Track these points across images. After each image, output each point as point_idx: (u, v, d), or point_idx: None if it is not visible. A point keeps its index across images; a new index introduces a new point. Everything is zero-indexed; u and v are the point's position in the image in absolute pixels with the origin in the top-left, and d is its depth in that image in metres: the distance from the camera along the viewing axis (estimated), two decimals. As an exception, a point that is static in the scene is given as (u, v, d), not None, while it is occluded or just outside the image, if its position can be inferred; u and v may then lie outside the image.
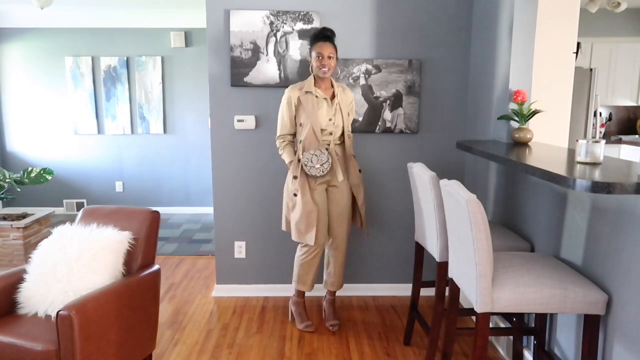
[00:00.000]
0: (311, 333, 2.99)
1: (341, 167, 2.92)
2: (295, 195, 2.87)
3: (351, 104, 2.98)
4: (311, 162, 2.79)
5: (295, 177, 2.86)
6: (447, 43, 3.35)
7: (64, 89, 5.96)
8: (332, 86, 2.89)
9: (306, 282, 3.02)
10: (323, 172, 2.80)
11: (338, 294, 3.52)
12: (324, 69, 2.76)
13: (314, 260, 2.97)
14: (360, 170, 3.00)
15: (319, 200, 2.88)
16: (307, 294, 3.35)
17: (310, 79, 2.86)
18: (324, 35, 2.79)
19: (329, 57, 2.76)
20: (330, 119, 2.83)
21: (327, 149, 2.82)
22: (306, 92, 2.82)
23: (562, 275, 1.86)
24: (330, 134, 2.85)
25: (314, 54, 2.78)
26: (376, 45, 3.33)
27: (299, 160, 2.84)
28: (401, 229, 3.54)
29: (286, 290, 3.50)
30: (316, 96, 2.82)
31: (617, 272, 1.78)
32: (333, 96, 2.87)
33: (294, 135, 2.92)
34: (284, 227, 3.01)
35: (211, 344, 2.87)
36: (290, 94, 2.85)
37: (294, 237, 2.94)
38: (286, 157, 2.90)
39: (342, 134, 2.91)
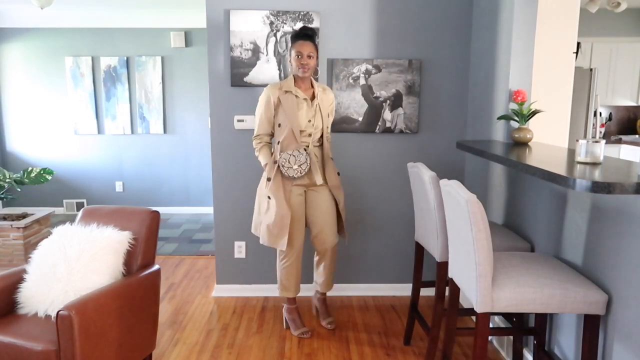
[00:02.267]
0: (311, 333, 2.99)
1: (320, 170, 2.85)
2: (269, 198, 2.79)
3: (332, 104, 2.90)
4: (289, 162, 2.73)
5: (269, 180, 2.79)
6: (447, 43, 3.35)
7: (64, 89, 5.96)
8: (312, 86, 2.83)
9: (289, 288, 2.96)
10: (301, 173, 2.74)
11: (338, 294, 3.53)
12: (303, 69, 2.71)
13: (294, 265, 2.91)
14: (339, 173, 2.93)
15: (295, 204, 2.82)
16: (306, 294, 3.35)
17: (290, 78, 2.80)
18: (304, 34, 2.74)
19: (309, 57, 2.71)
20: (309, 120, 2.77)
21: (305, 150, 2.77)
22: (286, 91, 2.76)
23: (562, 275, 1.86)
24: (309, 135, 2.79)
25: (293, 53, 2.73)
26: (376, 45, 3.33)
27: (275, 162, 2.78)
28: (401, 229, 3.55)
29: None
30: (296, 96, 2.76)
31: (617, 272, 1.78)
32: (313, 97, 2.81)
33: (272, 135, 2.87)
34: (253, 230, 2.95)
35: (211, 344, 2.87)
36: (269, 92, 2.77)
37: (262, 241, 2.86)
38: (262, 158, 2.83)
39: (322, 135, 2.85)
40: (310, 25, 3.23)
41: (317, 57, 2.79)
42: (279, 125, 2.79)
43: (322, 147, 2.87)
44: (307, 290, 3.45)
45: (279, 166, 2.77)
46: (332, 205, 2.91)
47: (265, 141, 2.86)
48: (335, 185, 2.89)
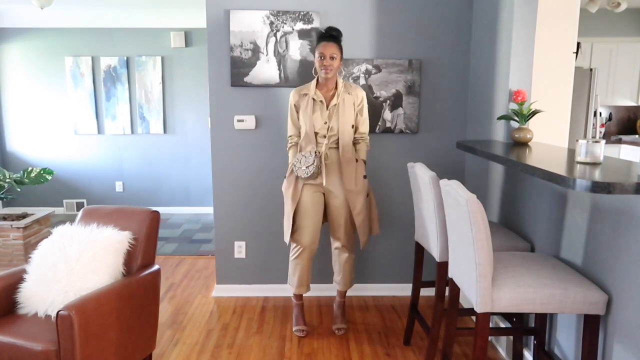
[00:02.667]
0: (311, 333, 2.99)
1: (335, 172, 2.86)
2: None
3: (360, 103, 2.87)
4: (300, 163, 2.81)
5: (285, 177, 2.92)
6: (447, 43, 3.35)
7: (64, 89, 5.96)
8: (336, 87, 2.83)
9: (293, 283, 3.01)
10: (307, 174, 2.78)
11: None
12: (325, 70, 2.72)
13: (299, 261, 2.94)
14: (365, 177, 2.89)
15: (305, 202, 2.86)
16: (307, 294, 3.35)
17: (314, 80, 2.85)
18: (329, 35, 2.75)
19: (332, 58, 2.70)
20: (325, 123, 2.79)
21: (315, 152, 2.80)
22: (304, 94, 2.82)
23: (562, 275, 1.86)
24: (324, 137, 2.82)
25: (316, 54, 2.74)
26: (376, 45, 3.33)
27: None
28: (401, 229, 3.54)
29: (286, 290, 3.49)
30: (313, 99, 2.80)
31: (617, 272, 1.78)
32: (332, 98, 2.81)
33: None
34: None
35: (211, 344, 2.87)
36: (292, 96, 2.89)
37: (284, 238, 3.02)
38: (289, 157, 2.95)
39: (338, 138, 2.82)
40: (313, 25, 3.23)
41: (342, 58, 2.79)
42: (301, 127, 2.87)
43: (338, 150, 2.84)
44: (316, 290, 3.45)
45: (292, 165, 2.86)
46: (346, 208, 2.89)
47: (295, 141, 2.94)
48: (351, 190, 2.84)
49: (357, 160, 2.87)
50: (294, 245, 2.95)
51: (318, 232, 2.93)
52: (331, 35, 2.75)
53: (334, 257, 3.05)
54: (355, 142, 2.91)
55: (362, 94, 2.89)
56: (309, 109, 2.80)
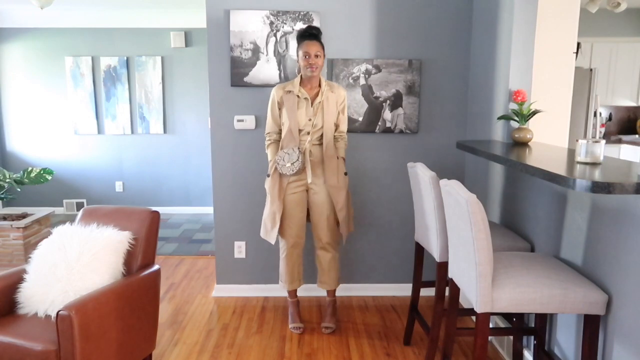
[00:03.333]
0: (311, 333, 2.99)
1: (318, 169, 2.88)
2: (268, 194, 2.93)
3: (342, 102, 2.91)
4: (283, 160, 2.81)
5: (268, 176, 2.91)
6: (447, 43, 3.35)
7: (64, 89, 5.96)
8: (320, 85, 2.85)
9: (285, 280, 3.05)
10: (292, 170, 2.80)
11: (338, 294, 3.51)
12: (311, 68, 2.74)
13: (288, 259, 3.00)
14: (346, 174, 2.92)
15: (291, 200, 2.89)
16: (306, 294, 3.35)
17: (297, 78, 2.86)
18: (310, 34, 2.77)
19: (316, 56, 2.74)
20: (309, 119, 2.82)
21: (299, 148, 2.81)
22: (288, 91, 2.82)
23: (562, 275, 1.86)
24: (308, 133, 2.83)
25: (300, 53, 2.76)
26: (376, 45, 3.33)
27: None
28: (401, 229, 3.54)
29: (286, 291, 3.49)
30: (297, 96, 2.81)
31: (617, 272, 1.78)
32: (316, 96, 2.84)
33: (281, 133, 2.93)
34: None
35: (211, 344, 2.87)
36: (274, 93, 2.87)
37: (261, 234, 3.01)
38: (269, 155, 2.93)
39: (322, 135, 2.85)
40: (314, 24, 3.23)
41: (324, 56, 2.82)
42: (283, 123, 2.86)
43: (321, 146, 2.88)
44: (316, 291, 3.45)
45: (275, 163, 2.85)
46: (328, 204, 2.91)
47: (274, 139, 2.93)
48: (334, 186, 2.87)
49: (337, 158, 2.90)
50: (282, 243, 3.00)
51: (304, 228, 2.98)
52: (312, 34, 2.77)
53: (318, 259, 3.04)
54: (334, 140, 2.93)
55: (344, 94, 2.93)
56: (294, 106, 2.81)
